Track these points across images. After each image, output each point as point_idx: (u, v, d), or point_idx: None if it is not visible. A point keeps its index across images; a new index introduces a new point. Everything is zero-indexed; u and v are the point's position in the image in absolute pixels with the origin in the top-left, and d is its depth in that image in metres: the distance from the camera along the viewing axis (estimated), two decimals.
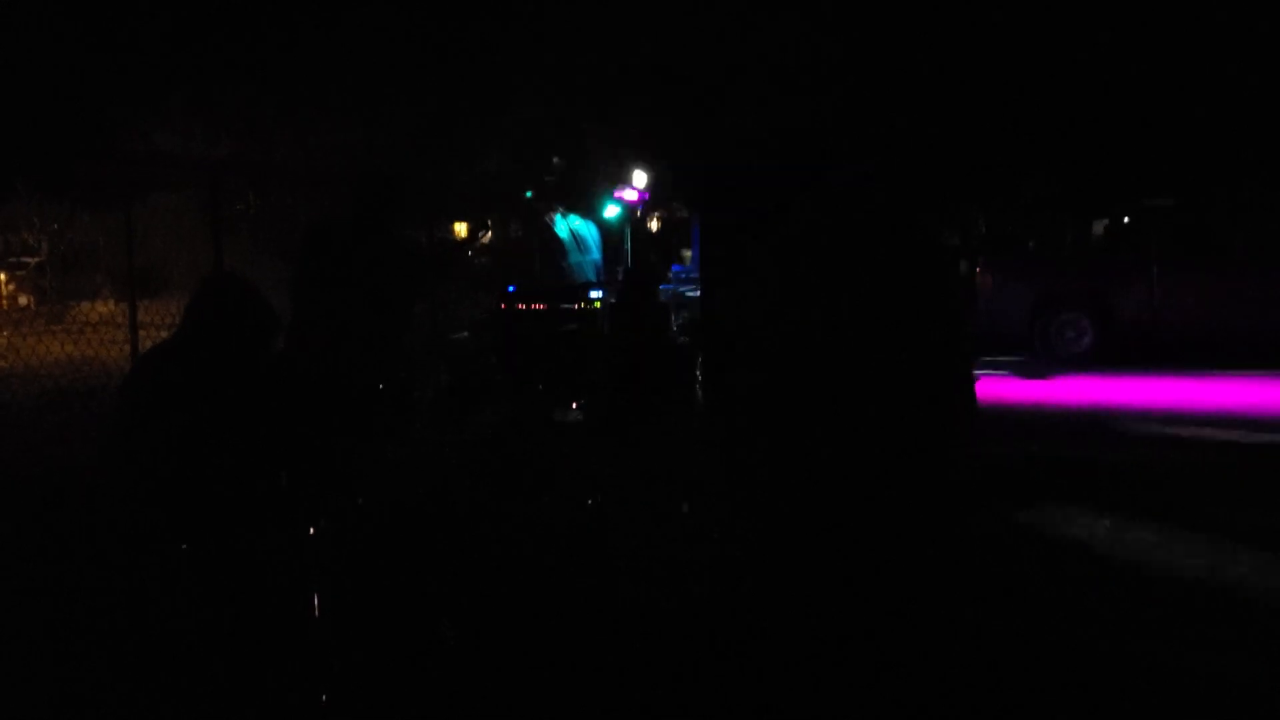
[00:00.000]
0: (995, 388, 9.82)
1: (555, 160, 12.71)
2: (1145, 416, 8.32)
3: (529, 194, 11.45)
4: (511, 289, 7.96)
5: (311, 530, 3.35)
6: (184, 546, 3.07)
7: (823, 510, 3.66)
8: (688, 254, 16.22)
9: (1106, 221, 12.66)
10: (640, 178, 12.94)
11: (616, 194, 13.05)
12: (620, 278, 8.71)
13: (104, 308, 9.43)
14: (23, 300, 13.26)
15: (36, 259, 13.88)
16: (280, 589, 3.25)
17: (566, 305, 7.83)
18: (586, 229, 12.18)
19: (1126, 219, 12.44)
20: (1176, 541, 4.84)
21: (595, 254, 12.09)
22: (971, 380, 3.57)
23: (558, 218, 11.45)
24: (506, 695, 3.36)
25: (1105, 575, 4.47)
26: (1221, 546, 4.72)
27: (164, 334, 6.69)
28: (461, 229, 13.13)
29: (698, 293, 8.82)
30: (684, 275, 12.79)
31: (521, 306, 7.66)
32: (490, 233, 12.62)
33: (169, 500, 3.09)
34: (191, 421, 3.11)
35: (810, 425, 3.64)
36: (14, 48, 12.84)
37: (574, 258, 11.31)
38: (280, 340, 3.95)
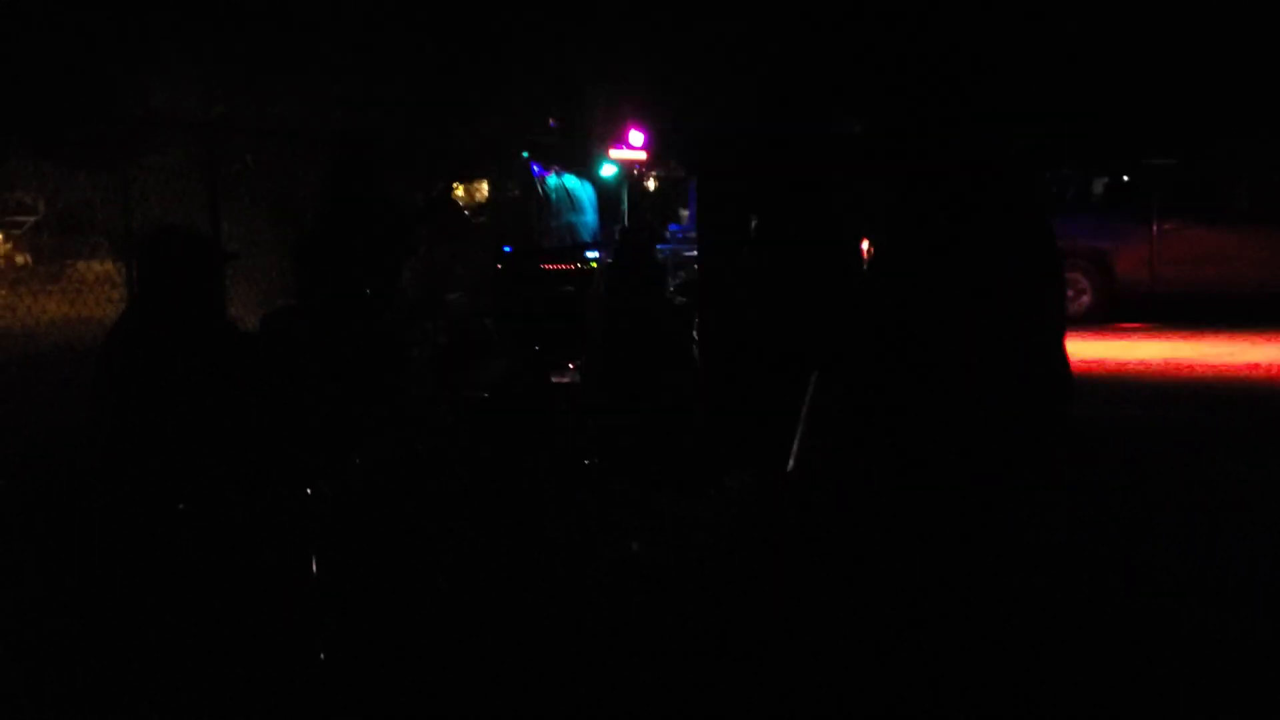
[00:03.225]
0: None
1: (551, 121, 12.62)
2: (1141, 378, 8.35)
3: (525, 154, 11.38)
4: (508, 249, 7.96)
5: (309, 490, 3.38)
6: (180, 507, 3.10)
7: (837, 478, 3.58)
8: (685, 213, 16.15)
9: (1107, 179, 12.61)
10: (637, 137, 12.86)
11: (613, 154, 12.98)
12: (617, 237, 8.70)
13: (101, 267, 9.41)
14: (20, 259, 13.22)
15: (34, 218, 13.82)
16: (277, 550, 3.28)
17: (563, 265, 7.82)
18: (582, 189, 12.13)
19: (1127, 177, 12.38)
20: None
21: (591, 214, 12.05)
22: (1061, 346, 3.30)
23: (552, 177, 11.39)
24: (504, 655, 3.41)
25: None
26: None
27: None
28: (459, 188, 13.05)
29: (695, 252, 8.80)
30: (681, 235, 12.75)
31: (517, 267, 7.66)
32: (480, 188, 12.56)
33: (157, 461, 3.11)
34: (168, 381, 3.12)
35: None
36: (6, 3, 12.69)
37: (571, 217, 11.28)
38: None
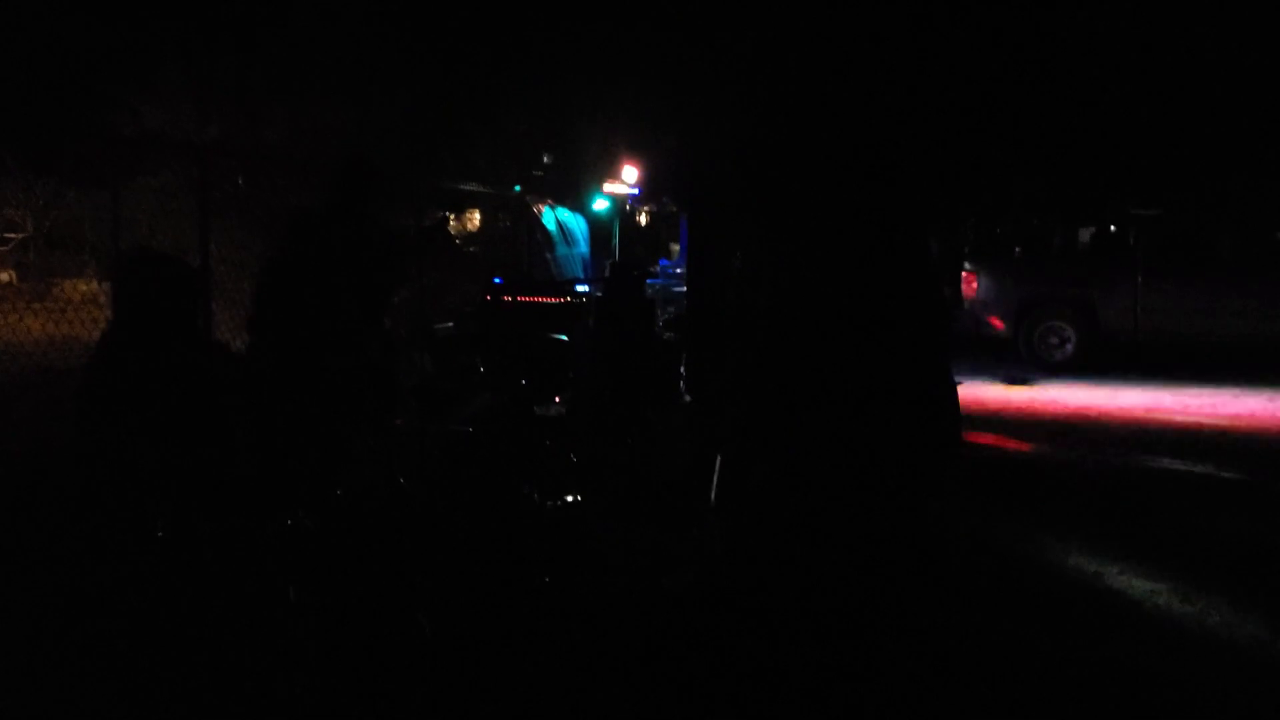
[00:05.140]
0: (978, 393, 9.87)
1: (545, 156, 12.72)
2: (1123, 426, 8.38)
3: (517, 188, 11.43)
4: (498, 281, 7.97)
5: (289, 521, 3.35)
6: (159, 534, 3.06)
7: (804, 508, 3.68)
8: (676, 248, 16.22)
9: (1093, 229, 12.74)
10: (630, 173, 12.94)
11: (606, 188, 13.04)
12: (607, 272, 8.73)
13: (87, 286, 9.37)
14: (4, 277, 13.16)
15: (21, 235, 13.77)
16: (255, 580, 3.24)
17: (552, 299, 7.84)
18: (575, 222, 12.18)
19: (1113, 227, 12.51)
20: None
21: (583, 247, 12.09)
22: (950, 378, 3.63)
23: (546, 210, 11.44)
24: (482, 688, 3.37)
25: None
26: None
27: None
28: (451, 218, 13.06)
29: (684, 288, 8.82)
30: (671, 270, 12.79)
31: (507, 299, 7.67)
32: (474, 220, 12.58)
33: (135, 486, 3.08)
34: (141, 405, 3.09)
35: (793, 423, 3.66)
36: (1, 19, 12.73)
37: (561, 251, 11.31)
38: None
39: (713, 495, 4.45)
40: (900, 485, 3.56)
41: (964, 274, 12.39)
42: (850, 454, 3.56)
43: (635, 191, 13.60)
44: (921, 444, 3.59)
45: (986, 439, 7.46)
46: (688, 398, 7.06)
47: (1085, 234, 12.84)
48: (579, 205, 12.75)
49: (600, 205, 13.20)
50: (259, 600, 3.26)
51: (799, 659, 3.44)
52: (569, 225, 11.94)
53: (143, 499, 3.10)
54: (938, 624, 3.78)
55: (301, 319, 4.35)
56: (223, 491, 3.19)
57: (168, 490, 3.12)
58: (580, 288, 8.27)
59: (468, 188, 11.18)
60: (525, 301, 7.70)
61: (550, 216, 11.59)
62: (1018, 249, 12.84)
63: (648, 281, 8.99)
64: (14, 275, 13.11)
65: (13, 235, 13.53)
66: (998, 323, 12.19)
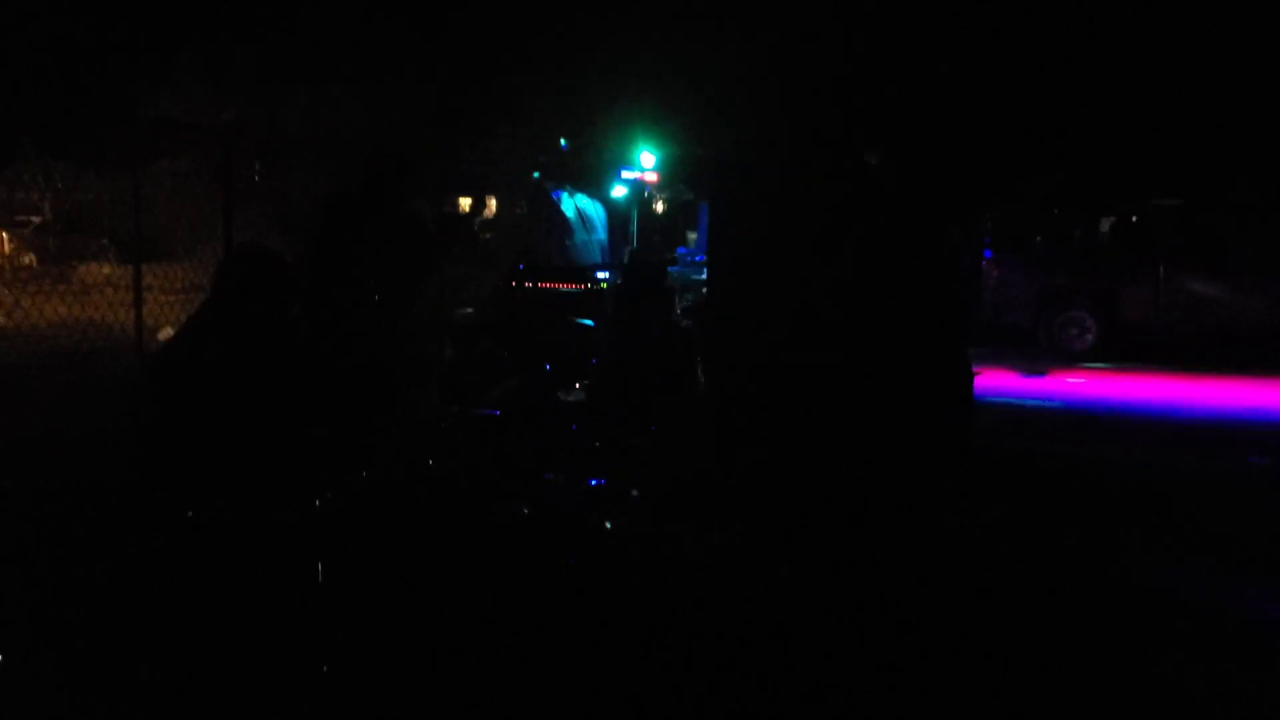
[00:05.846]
0: (998, 381, 9.82)
1: (563, 143, 12.68)
2: (1143, 416, 8.33)
3: (536, 174, 11.42)
4: (521, 268, 7.98)
5: (317, 503, 3.35)
6: (189, 515, 3.07)
7: (815, 494, 3.69)
8: (693, 236, 16.19)
9: (1113, 220, 12.64)
10: (648, 159, 12.91)
11: (624, 175, 13.01)
12: (626, 260, 8.72)
13: (107, 269, 9.41)
14: (26, 259, 13.25)
15: (41, 218, 13.83)
16: (283, 562, 3.25)
17: (573, 286, 7.84)
18: (593, 209, 12.15)
19: (1134, 218, 12.42)
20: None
21: (601, 234, 12.08)
22: (966, 368, 3.65)
23: (564, 197, 11.42)
24: (503, 673, 3.38)
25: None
26: None
27: (167, 298, 6.69)
28: (466, 204, 13.08)
29: (703, 275, 8.80)
30: (689, 259, 12.76)
31: (529, 286, 7.68)
32: (490, 208, 12.58)
33: (185, 466, 3.09)
34: (217, 389, 3.12)
35: (808, 414, 3.67)
36: (20, 3, 12.76)
37: (580, 237, 11.30)
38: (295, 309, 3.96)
39: (729, 489, 4.43)
40: (908, 475, 3.56)
41: (984, 264, 12.33)
42: (857, 439, 3.57)
43: (653, 178, 13.57)
44: (931, 434, 3.60)
45: (999, 430, 7.42)
46: (705, 385, 7.04)
47: (1106, 225, 12.73)
48: (597, 191, 12.73)
49: (618, 192, 13.17)
50: (283, 582, 3.26)
51: (811, 656, 3.43)
52: (587, 212, 11.92)
53: (184, 479, 3.11)
54: (945, 615, 3.74)
55: (337, 302, 4.38)
56: (255, 472, 3.19)
57: (215, 471, 3.13)
58: (600, 274, 8.27)
59: (485, 174, 11.18)
60: (547, 288, 7.71)
61: (569, 203, 11.57)
62: (1039, 239, 12.76)
63: (666, 270, 8.96)
64: (35, 259, 13.18)
65: (32, 219, 13.59)
66: (1018, 312, 12.15)
